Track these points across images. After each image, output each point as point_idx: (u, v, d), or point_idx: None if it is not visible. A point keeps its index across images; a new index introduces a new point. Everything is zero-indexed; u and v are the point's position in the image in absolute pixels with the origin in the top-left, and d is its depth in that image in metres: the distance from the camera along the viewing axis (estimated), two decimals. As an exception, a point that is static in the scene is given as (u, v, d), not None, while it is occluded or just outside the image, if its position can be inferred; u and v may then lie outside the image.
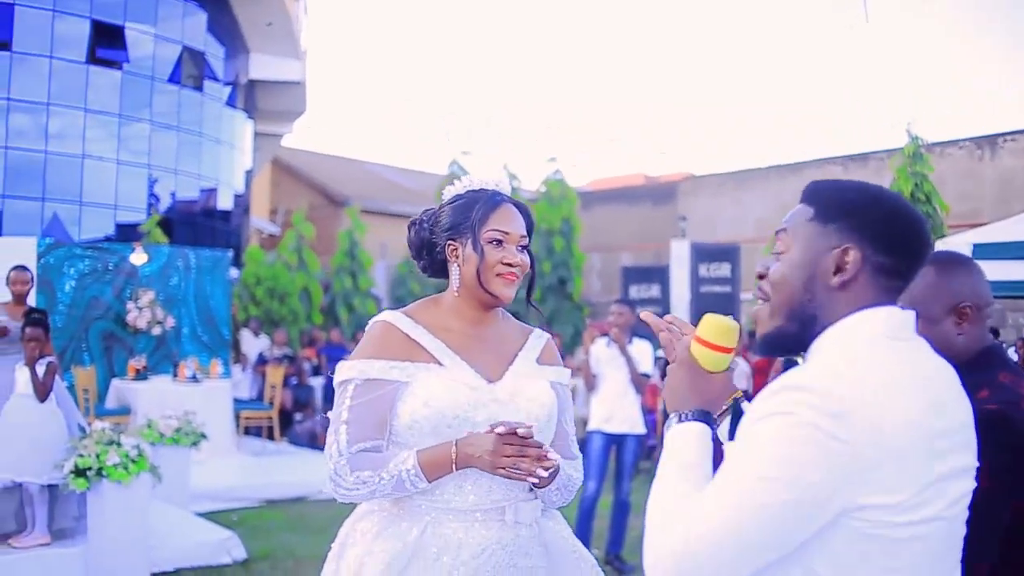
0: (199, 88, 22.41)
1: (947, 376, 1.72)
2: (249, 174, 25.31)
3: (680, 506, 1.63)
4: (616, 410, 7.76)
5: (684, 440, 1.77)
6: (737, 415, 1.85)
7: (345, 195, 27.78)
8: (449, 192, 2.69)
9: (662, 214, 25.17)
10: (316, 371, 16.95)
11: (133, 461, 6.63)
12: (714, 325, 1.87)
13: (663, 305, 14.23)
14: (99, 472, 6.50)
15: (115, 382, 12.35)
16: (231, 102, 23.59)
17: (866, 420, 1.54)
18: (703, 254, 13.02)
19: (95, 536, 6.66)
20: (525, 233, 2.59)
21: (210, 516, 8.76)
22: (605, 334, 7.97)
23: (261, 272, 20.51)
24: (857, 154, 21.26)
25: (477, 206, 2.56)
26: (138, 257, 13.43)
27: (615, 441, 7.74)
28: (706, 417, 1.81)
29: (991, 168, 19.06)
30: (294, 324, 20.19)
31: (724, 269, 12.74)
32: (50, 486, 6.85)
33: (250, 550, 7.64)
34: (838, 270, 1.74)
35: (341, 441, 2.41)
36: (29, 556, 6.74)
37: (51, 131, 20.17)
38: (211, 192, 22.94)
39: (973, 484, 1.69)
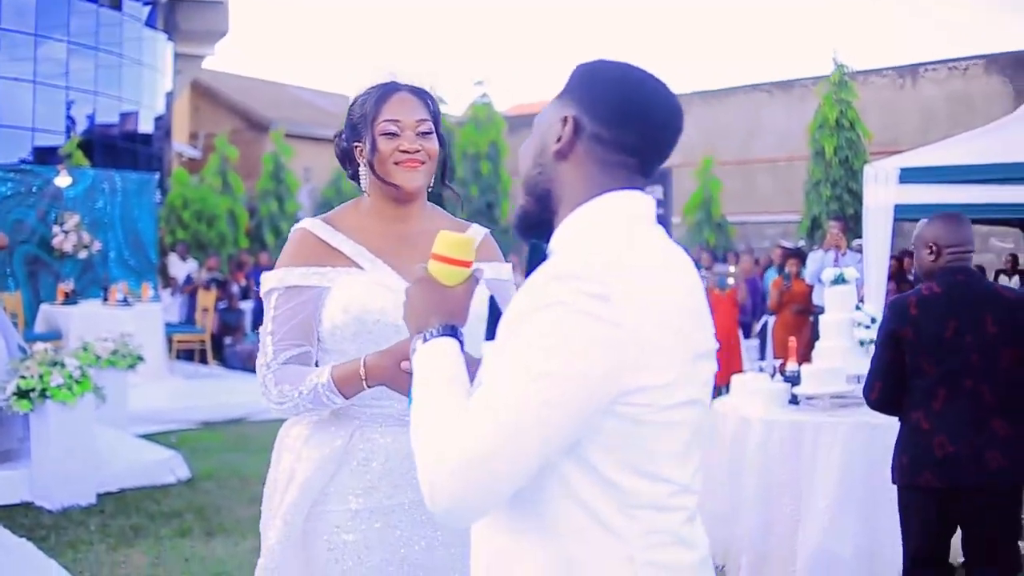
0: (118, 7, 21.78)
1: (689, 261, 1.74)
2: (170, 96, 24.75)
3: (453, 422, 1.53)
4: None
5: (437, 357, 1.68)
6: (495, 316, 1.83)
7: (269, 119, 27.30)
8: (352, 94, 2.60)
9: (589, 138, 25.26)
10: (245, 295, 16.85)
11: (77, 382, 6.59)
12: (449, 240, 1.85)
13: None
14: (42, 393, 6.45)
15: (44, 307, 12.18)
16: (151, 22, 22.99)
17: (636, 303, 1.54)
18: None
19: (39, 458, 6.63)
20: (425, 118, 2.48)
21: (149, 438, 8.74)
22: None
23: (188, 195, 20.21)
24: (783, 80, 21.46)
25: (369, 101, 2.49)
26: (63, 180, 13.18)
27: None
28: (453, 331, 1.74)
29: (912, 97, 19.43)
30: (222, 247, 19.98)
31: (657, 192, 12.86)
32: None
33: (193, 470, 7.65)
34: (559, 139, 1.72)
35: (268, 352, 2.38)
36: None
37: (-38, 52, 19.54)
38: (131, 115, 22.41)
39: (716, 367, 1.74)
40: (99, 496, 6.77)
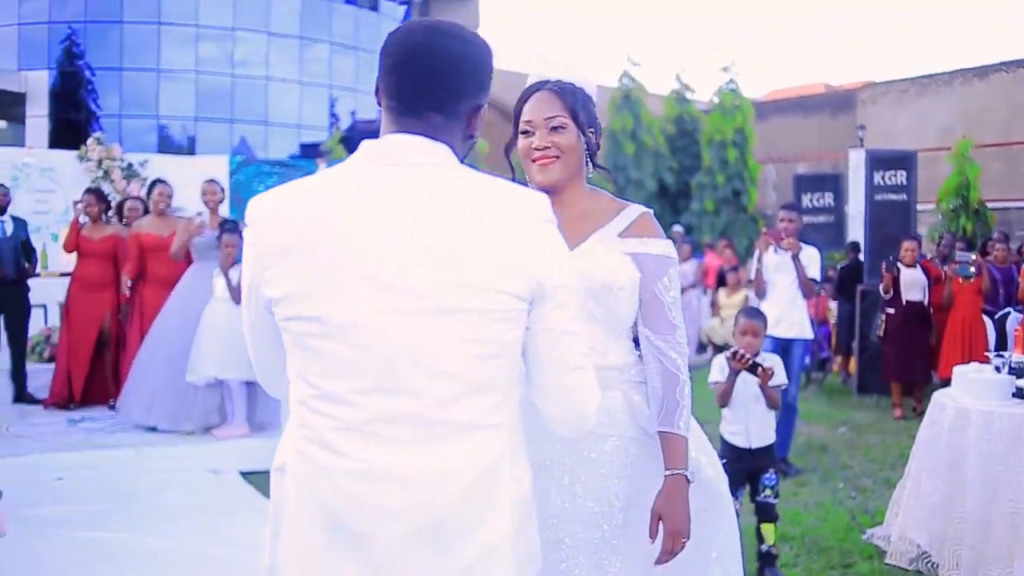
0: (375, 8, 22.89)
1: (387, 200, 1.80)
2: (425, 92, 25.75)
3: None
4: (784, 315, 7.82)
5: None
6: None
7: (519, 111, 27.90)
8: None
9: (840, 124, 24.53)
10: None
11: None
12: None
13: (836, 214, 14.01)
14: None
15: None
16: (407, 20, 23.99)
17: (268, 228, 1.84)
18: (878, 162, 12.68)
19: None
20: (555, 114, 2.58)
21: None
22: (779, 240, 7.96)
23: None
24: (1050, 55, 20.17)
25: (517, 104, 2.65)
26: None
27: (783, 345, 7.79)
28: None
29: None
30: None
31: (900, 177, 12.40)
32: (249, 383, 7.43)
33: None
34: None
35: None
36: (230, 446, 7.38)
37: (236, 57, 21.02)
38: (389, 110, 23.50)
39: (408, 297, 1.85)
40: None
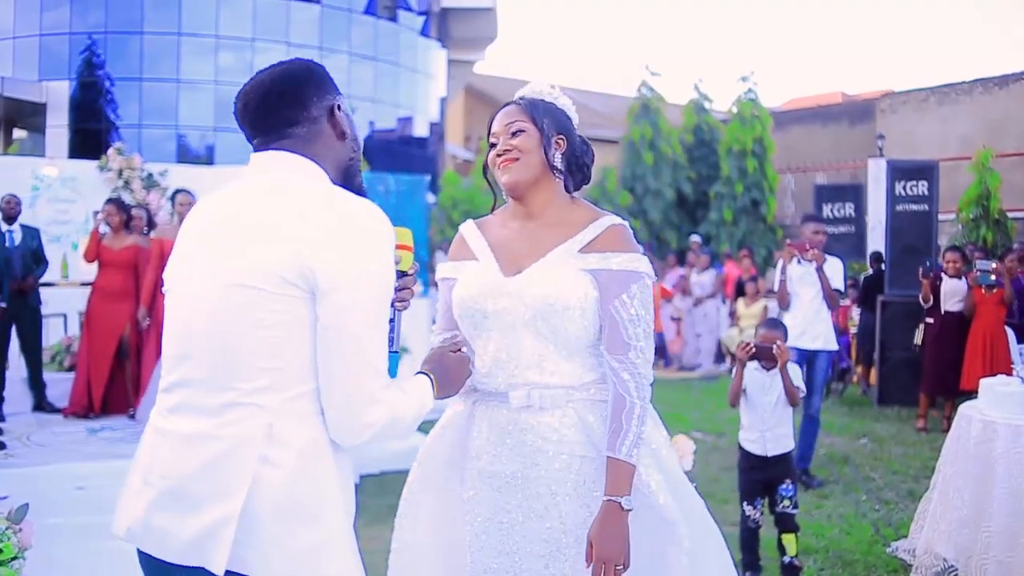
0: (394, 19, 22.95)
1: (235, 206, 2.09)
2: (443, 102, 25.81)
3: None
4: (809, 326, 7.79)
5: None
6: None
7: (538, 120, 27.92)
8: None
9: (859, 133, 24.45)
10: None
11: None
12: (396, 233, 2.17)
13: (857, 224, 13.95)
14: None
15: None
16: (425, 31, 24.06)
17: (183, 228, 2.18)
18: (899, 172, 12.61)
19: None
20: (514, 119, 2.67)
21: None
22: (803, 252, 7.91)
23: (458, 196, 20.98)
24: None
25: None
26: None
27: (807, 357, 7.76)
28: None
29: None
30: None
31: (921, 187, 12.33)
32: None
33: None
34: None
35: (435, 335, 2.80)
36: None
37: (256, 66, 21.00)
38: (407, 120, 23.56)
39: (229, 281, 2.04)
40: (362, 477, 7.24)
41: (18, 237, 9.24)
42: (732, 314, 15.36)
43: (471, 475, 2.66)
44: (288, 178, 2.08)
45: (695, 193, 23.84)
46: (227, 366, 1.96)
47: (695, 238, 18.57)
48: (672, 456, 2.76)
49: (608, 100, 34.95)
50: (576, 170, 2.76)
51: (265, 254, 1.95)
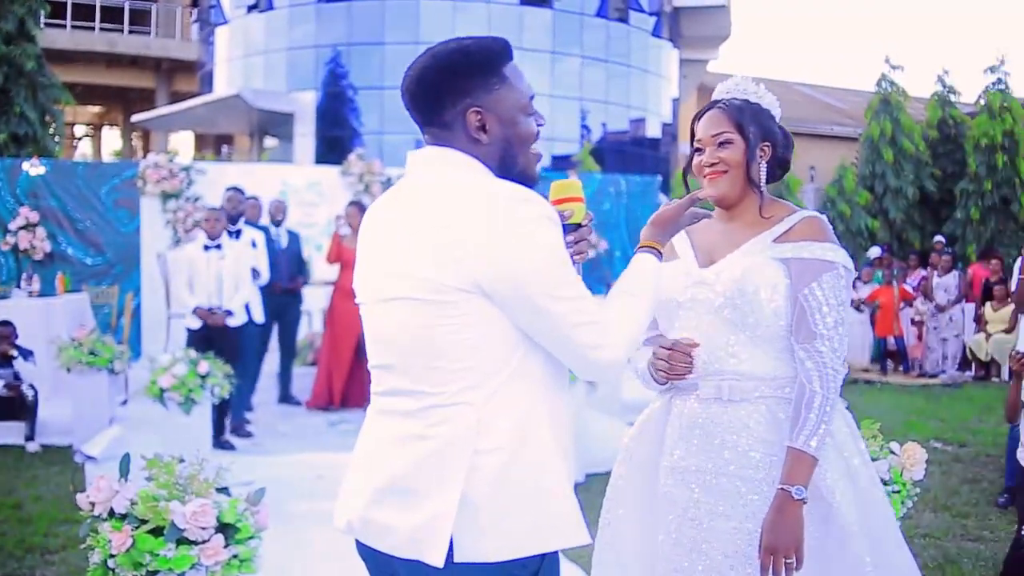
0: (625, 20, 22.96)
1: (406, 203, 2.12)
2: (676, 102, 25.63)
3: None
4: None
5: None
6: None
7: (772, 118, 27.37)
8: None
9: None
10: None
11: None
12: (557, 186, 2.26)
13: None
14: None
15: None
16: (656, 32, 23.97)
17: (360, 236, 2.25)
18: None
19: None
20: (721, 130, 2.67)
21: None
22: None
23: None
24: None
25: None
26: (568, 184, 14.19)
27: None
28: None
29: None
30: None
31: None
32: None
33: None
34: None
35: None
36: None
37: (492, 72, 21.54)
38: (639, 122, 23.53)
39: (392, 284, 2.12)
40: (587, 476, 7.25)
41: (284, 240, 9.81)
42: (979, 319, 14.55)
43: (665, 471, 2.65)
44: (447, 175, 2.09)
45: (939, 191, 22.67)
46: (428, 373, 2.01)
47: (938, 239, 17.72)
48: (869, 471, 2.62)
49: (846, 95, 33.89)
50: (777, 167, 2.77)
51: (434, 267, 1.98)
